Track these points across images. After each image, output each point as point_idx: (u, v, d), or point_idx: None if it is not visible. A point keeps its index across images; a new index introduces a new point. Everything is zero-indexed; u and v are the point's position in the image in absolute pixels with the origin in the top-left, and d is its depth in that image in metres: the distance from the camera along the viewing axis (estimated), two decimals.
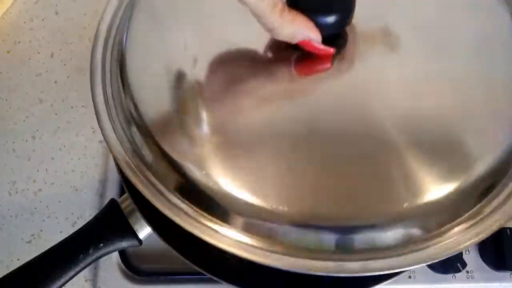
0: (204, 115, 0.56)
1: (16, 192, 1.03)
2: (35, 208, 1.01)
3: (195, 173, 0.53)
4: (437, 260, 0.51)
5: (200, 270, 0.75)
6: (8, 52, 1.14)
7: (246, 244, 0.54)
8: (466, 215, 0.53)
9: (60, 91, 1.10)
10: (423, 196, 0.50)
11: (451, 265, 0.86)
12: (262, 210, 0.51)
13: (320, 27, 0.54)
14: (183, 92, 0.59)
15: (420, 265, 0.53)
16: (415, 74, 0.58)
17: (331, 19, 0.55)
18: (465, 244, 0.51)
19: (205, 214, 0.55)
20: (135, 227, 0.79)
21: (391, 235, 0.51)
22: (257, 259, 0.53)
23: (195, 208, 0.56)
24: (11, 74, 1.12)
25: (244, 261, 0.87)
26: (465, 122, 0.55)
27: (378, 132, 0.53)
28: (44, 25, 1.17)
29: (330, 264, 0.51)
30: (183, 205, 0.56)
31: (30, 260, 0.72)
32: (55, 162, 1.05)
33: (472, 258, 0.91)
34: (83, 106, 1.08)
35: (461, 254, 0.88)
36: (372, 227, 0.50)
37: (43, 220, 1.00)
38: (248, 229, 0.53)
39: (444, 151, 0.53)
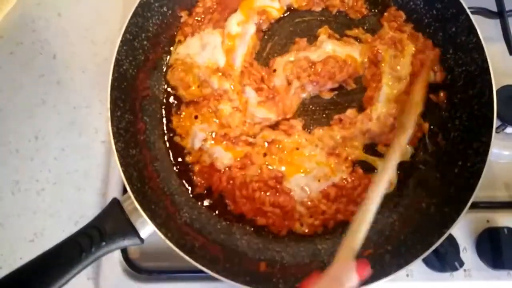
0: None
1: (19, 192, 1.03)
2: (38, 208, 1.02)
3: None
4: None
5: (201, 268, 0.76)
6: (11, 53, 1.15)
7: None
8: None
9: (62, 92, 1.11)
10: None
11: (448, 263, 0.87)
12: None
13: None
14: None
15: None
16: None
17: None
18: None
19: None
20: (137, 226, 0.80)
21: None
22: None
23: None
24: (14, 75, 1.13)
25: (242, 259, 0.88)
26: None
27: None
28: (47, 26, 1.17)
29: None
30: None
31: (33, 259, 0.73)
32: (58, 162, 1.06)
33: (469, 257, 0.92)
34: (85, 107, 1.09)
35: (458, 252, 0.89)
36: None
37: (46, 219, 1.01)
38: None
39: None
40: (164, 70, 1.02)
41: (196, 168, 0.95)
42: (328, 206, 0.91)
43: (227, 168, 0.93)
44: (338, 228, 0.91)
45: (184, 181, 0.96)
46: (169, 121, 0.99)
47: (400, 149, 0.84)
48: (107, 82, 0.86)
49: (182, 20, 1.04)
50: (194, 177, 0.95)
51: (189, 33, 1.03)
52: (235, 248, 0.89)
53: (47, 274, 0.72)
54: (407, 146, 0.94)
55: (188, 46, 1.02)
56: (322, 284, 0.64)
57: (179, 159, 0.97)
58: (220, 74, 0.99)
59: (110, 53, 0.89)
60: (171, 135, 0.99)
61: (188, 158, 0.97)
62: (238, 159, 0.94)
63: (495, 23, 1.06)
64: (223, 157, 0.94)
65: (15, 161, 1.06)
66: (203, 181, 0.94)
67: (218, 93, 0.98)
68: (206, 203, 0.94)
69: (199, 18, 1.04)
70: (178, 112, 1.00)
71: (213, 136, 0.96)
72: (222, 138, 0.95)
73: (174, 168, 0.97)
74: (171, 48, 1.03)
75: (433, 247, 0.77)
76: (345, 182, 0.93)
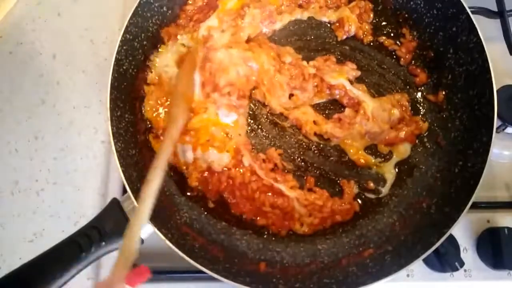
0: None
1: (19, 192, 1.03)
2: (38, 208, 1.02)
3: None
4: None
5: (201, 268, 0.76)
6: (10, 53, 1.15)
7: None
8: None
9: (62, 92, 1.11)
10: None
11: (449, 263, 0.87)
12: None
13: None
14: None
15: None
16: None
17: None
18: None
19: None
20: None
21: None
22: None
23: None
24: (14, 74, 1.13)
25: (242, 259, 0.88)
26: None
27: None
28: (47, 26, 1.17)
29: None
30: None
31: (32, 259, 0.73)
32: (58, 162, 1.05)
33: (470, 257, 0.92)
34: (85, 107, 1.09)
35: (459, 252, 0.89)
36: None
37: (45, 220, 1.01)
38: None
39: None
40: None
41: (194, 172, 0.94)
42: (323, 200, 0.91)
43: (225, 168, 0.93)
44: (338, 228, 0.91)
45: (183, 185, 0.95)
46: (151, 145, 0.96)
47: (171, 140, 0.82)
48: (106, 82, 0.86)
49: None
50: (193, 181, 0.94)
51: (172, 34, 1.01)
52: (235, 248, 0.89)
53: (46, 274, 0.72)
54: (405, 146, 0.95)
55: (165, 55, 1.00)
56: None
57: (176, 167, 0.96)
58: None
59: (110, 53, 0.89)
60: None
61: (185, 169, 0.95)
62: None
63: (496, 23, 1.06)
64: (219, 158, 0.93)
65: (15, 161, 1.05)
66: (202, 184, 0.94)
67: None
68: (206, 204, 0.94)
69: (188, 19, 1.03)
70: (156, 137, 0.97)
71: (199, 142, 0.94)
72: (211, 141, 0.94)
73: (172, 173, 0.96)
74: (151, 61, 1.00)
75: (434, 247, 0.77)
76: None
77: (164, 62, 0.99)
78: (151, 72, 0.99)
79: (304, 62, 0.99)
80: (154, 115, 0.97)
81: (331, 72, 0.97)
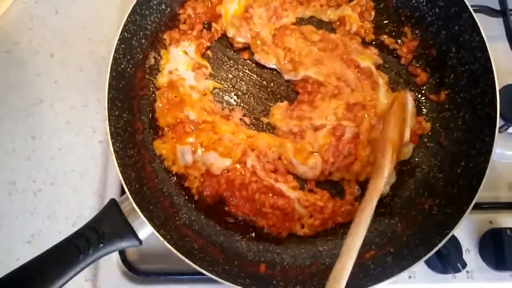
0: None
1: (16, 192, 1.02)
2: (35, 208, 1.01)
3: None
4: None
5: (200, 270, 0.76)
6: (7, 52, 1.14)
7: None
8: None
9: (59, 91, 1.10)
10: None
11: (451, 265, 0.86)
12: None
13: None
14: None
15: None
16: None
17: None
18: None
19: None
20: (135, 227, 0.79)
21: None
22: None
23: None
24: (11, 74, 1.12)
25: (242, 261, 0.87)
26: None
27: None
28: (44, 24, 1.16)
29: None
30: None
31: (30, 260, 0.72)
32: (55, 162, 1.04)
33: (472, 258, 0.91)
34: (83, 106, 1.08)
35: (461, 254, 0.89)
36: None
37: (43, 220, 1.00)
38: None
39: None
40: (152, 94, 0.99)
41: (194, 174, 0.93)
42: (324, 201, 0.90)
43: (225, 171, 0.92)
44: (339, 229, 0.91)
45: (182, 186, 0.94)
46: (152, 150, 0.95)
47: (376, 193, 0.76)
48: (104, 81, 0.85)
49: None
50: (193, 183, 0.93)
51: (175, 39, 1.00)
52: (235, 250, 0.89)
53: (44, 276, 0.72)
54: (409, 146, 0.94)
55: (173, 59, 1.00)
56: None
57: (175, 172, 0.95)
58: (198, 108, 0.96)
59: (108, 52, 0.89)
60: (157, 162, 0.95)
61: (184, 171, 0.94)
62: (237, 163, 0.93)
63: (498, 22, 1.05)
64: (219, 162, 0.92)
65: (12, 161, 1.05)
66: (201, 186, 0.93)
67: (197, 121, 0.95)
68: (205, 205, 0.93)
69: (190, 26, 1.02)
70: (158, 138, 0.96)
71: (203, 144, 0.93)
72: (215, 145, 0.93)
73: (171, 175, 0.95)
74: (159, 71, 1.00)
75: (436, 249, 0.76)
76: None
77: (172, 66, 0.99)
78: (160, 77, 0.99)
79: (332, 35, 0.99)
80: (163, 112, 0.96)
81: (358, 53, 0.97)
